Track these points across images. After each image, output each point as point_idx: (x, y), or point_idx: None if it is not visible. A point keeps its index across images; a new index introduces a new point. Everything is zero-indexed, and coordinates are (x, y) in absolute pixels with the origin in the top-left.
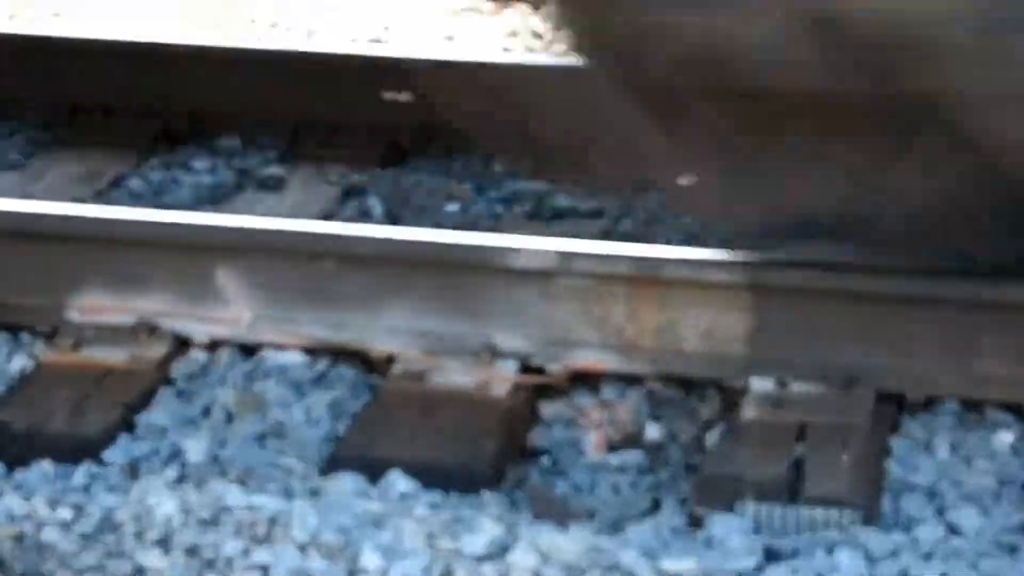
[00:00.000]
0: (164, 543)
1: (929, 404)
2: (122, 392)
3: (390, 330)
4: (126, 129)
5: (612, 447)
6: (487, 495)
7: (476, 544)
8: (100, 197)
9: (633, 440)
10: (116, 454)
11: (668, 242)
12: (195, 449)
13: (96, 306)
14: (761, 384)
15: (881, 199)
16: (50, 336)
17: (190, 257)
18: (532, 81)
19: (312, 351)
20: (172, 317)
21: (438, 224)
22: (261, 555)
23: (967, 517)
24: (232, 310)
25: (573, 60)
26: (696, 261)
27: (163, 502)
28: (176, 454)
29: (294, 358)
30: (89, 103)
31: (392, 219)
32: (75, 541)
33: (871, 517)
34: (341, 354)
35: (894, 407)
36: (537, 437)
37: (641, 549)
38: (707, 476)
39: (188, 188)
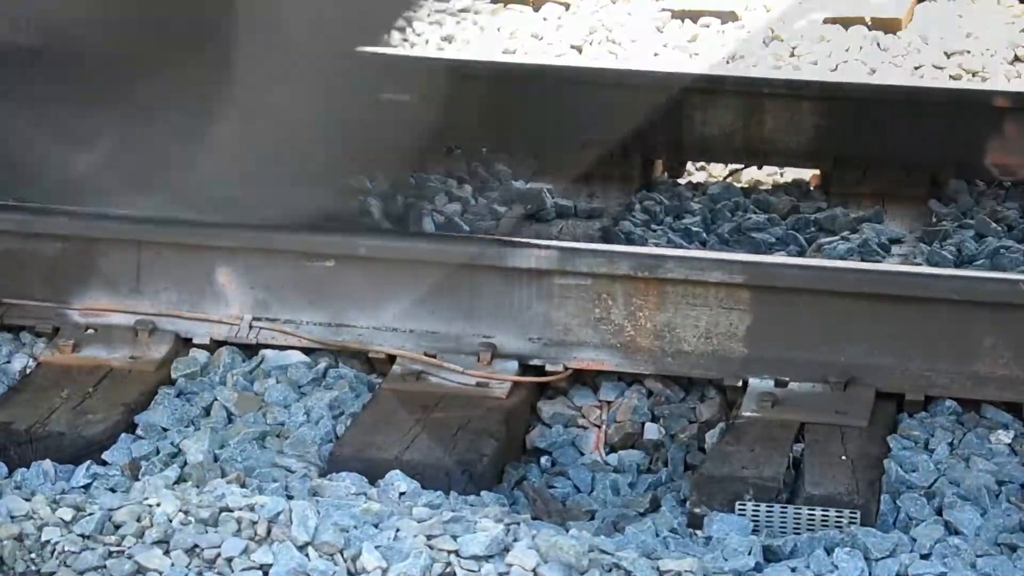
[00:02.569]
0: (164, 543)
1: None
2: (123, 392)
3: (390, 330)
4: None
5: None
6: (487, 495)
7: (476, 544)
8: None
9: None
10: (117, 454)
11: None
12: (195, 449)
13: (97, 306)
14: None
15: None
16: (51, 336)
17: (191, 257)
18: None
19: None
20: (172, 317)
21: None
22: (261, 555)
23: None
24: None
25: None
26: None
27: (163, 502)
28: (176, 454)
29: (294, 358)
30: None
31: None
32: (75, 541)
33: None
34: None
35: None
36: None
37: (641, 549)
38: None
39: None
